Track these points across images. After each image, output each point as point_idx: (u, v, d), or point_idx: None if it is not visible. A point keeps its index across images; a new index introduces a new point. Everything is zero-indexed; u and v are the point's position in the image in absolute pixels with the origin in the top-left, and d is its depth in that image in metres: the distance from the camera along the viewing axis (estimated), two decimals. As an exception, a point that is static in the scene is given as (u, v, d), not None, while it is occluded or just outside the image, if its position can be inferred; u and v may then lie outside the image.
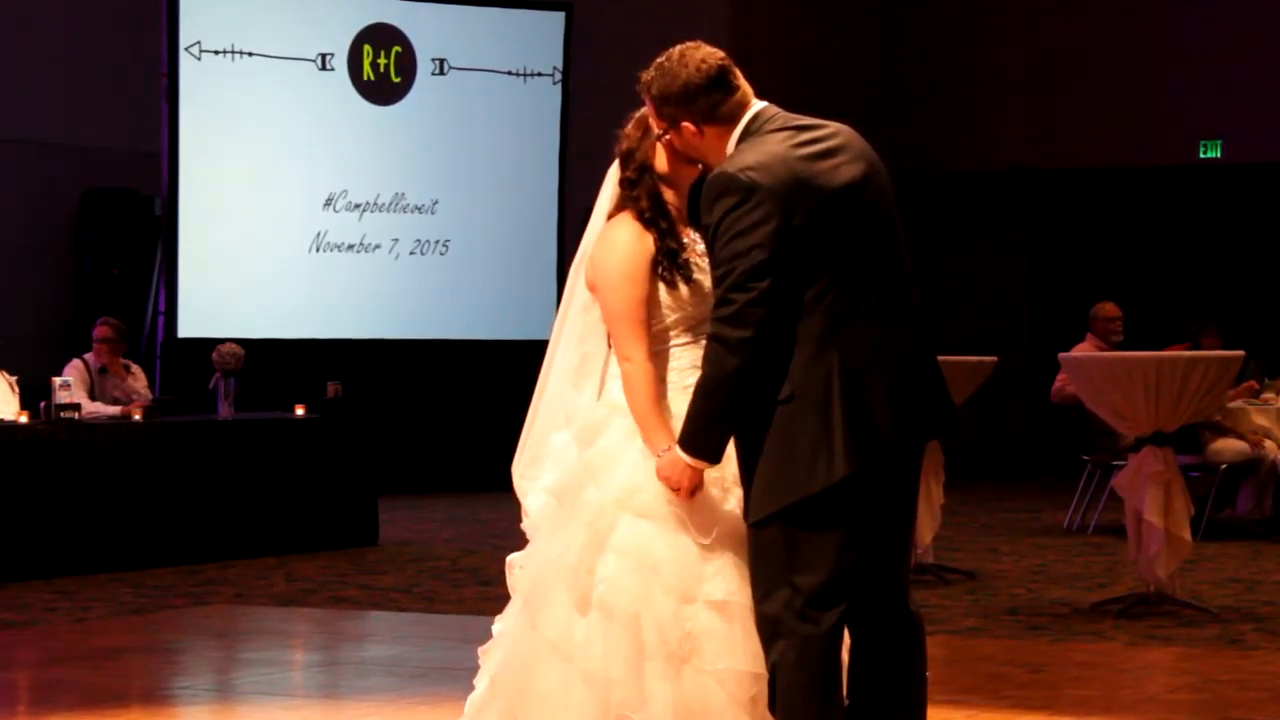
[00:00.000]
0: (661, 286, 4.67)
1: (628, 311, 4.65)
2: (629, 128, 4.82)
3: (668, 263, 4.68)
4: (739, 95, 4.54)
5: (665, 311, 4.68)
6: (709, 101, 4.52)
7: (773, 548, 4.41)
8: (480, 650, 4.90)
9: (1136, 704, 7.23)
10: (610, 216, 4.80)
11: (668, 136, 4.59)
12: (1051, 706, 7.08)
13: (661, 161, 4.73)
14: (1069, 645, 8.53)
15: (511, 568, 4.87)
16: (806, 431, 4.35)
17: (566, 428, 4.78)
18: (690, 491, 4.51)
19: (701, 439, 4.44)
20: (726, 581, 4.55)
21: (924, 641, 4.61)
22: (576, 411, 4.78)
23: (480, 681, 4.87)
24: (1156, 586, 9.31)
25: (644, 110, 4.76)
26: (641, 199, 4.72)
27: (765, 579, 4.43)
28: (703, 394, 4.42)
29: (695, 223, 4.72)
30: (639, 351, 4.63)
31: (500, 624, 4.85)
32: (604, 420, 4.70)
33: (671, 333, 4.69)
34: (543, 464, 4.85)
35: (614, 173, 4.87)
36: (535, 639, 4.66)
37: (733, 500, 4.57)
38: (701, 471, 4.50)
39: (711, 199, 4.40)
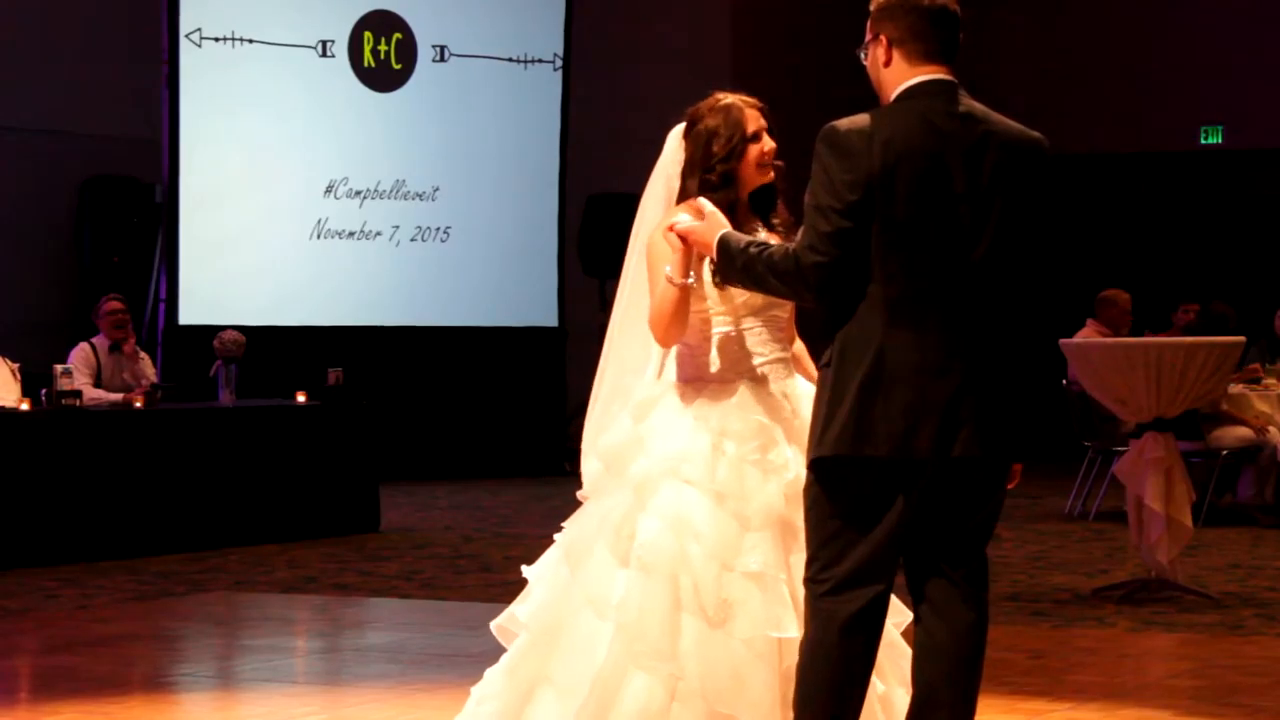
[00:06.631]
0: (708, 282, 4.78)
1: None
2: (713, 119, 4.87)
3: None
4: (937, 52, 4.46)
5: (710, 303, 4.80)
6: (910, 24, 4.45)
7: (812, 507, 4.45)
8: (517, 603, 4.95)
9: (1137, 690, 7.23)
10: (677, 202, 4.88)
11: (863, 53, 4.55)
12: (1052, 692, 7.08)
13: (751, 176, 4.83)
14: (1070, 631, 8.53)
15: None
16: (822, 403, 4.40)
17: (627, 406, 4.92)
18: (683, 239, 4.66)
19: (730, 258, 4.51)
20: (764, 555, 4.66)
21: (975, 648, 4.60)
22: (636, 389, 4.93)
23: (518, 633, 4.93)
24: (1158, 572, 9.31)
25: (727, 101, 4.86)
26: (718, 206, 4.77)
27: (808, 543, 4.48)
28: (762, 259, 4.42)
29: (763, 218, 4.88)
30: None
31: (534, 570, 4.96)
32: (658, 397, 4.86)
33: (715, 319, 4.81)
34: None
35: (675, 156, 4.92)
36: (573, 591, 4.79)
37: (774, 483, 4.68)
38: (695, 241, 4.63)
39: (818, 146, 4.41)
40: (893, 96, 4.47)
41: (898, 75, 4.48)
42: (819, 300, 4.41)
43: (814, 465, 4.41)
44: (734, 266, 4.53)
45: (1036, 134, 4.55)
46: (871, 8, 4.55)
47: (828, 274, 4.34)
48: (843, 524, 4.39)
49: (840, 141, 4.35)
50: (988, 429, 4.39)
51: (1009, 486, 4.61)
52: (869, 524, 4.39)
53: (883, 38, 4.49)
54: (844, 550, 4.39)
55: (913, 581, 4.54)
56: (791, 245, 4.42)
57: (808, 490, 4.46)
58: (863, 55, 4.56)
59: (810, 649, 4.42)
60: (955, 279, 4.36)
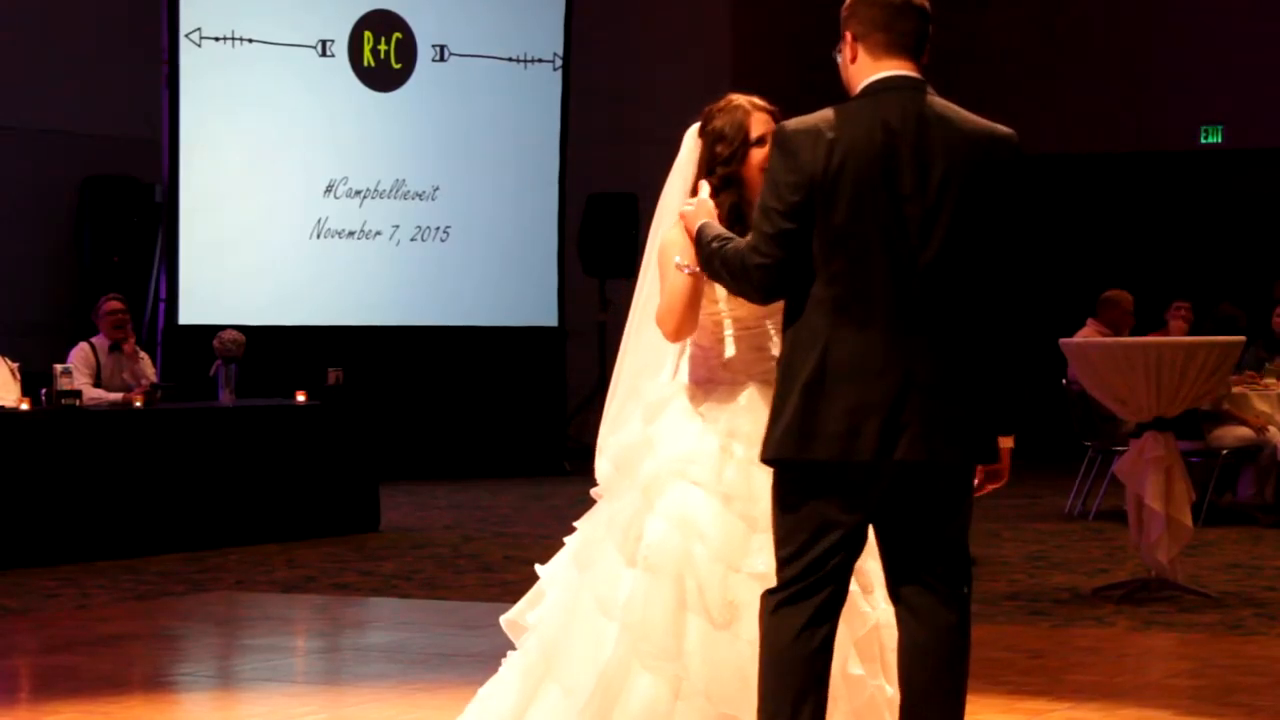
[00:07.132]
0: (719, 286, 4.74)
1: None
2: (720, 121, 4.86)
3: None
4: (899, 45, 4.42)
5: (723, 305, 4.78)
6: (872, 17, 4.42)
7: (772, 508, 4.47)
8: (527, 600, 4.99)
9: (1137, 689, 7.23)
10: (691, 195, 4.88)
11: (838, 56, 4.53)
12: (1052, 692, 7.08)
13: (755, 180, 4.79)
14: (1070, 631, 8.53)
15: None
16: (773, 402, 4.42)
17: (639, 406, 4.94)
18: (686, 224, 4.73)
19: (699, 248, 4.58)
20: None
21: (958, 648, 4.50)
22: (648, 390, 4.94)
23: (526, 638, 4.98)
24: (1157, 572, 9.32)
25: (736, 103, 4.85)
26: (720, 207, 4.77)
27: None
28: (719, 254, 4.47)
29: None
30: None
31: (546, 570, 4.99)
32: (669, 398, 4.87)
33: (726, 320, 4.80)
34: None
35: (690, 155, 4.92)
36: (582, 592, 4.82)
37: None
38: (685, 229, 4.70)
39: (769, 146, 4.44)
40: (856, 93, 4.45)
41: (862, 71, 4.45)
42: (766, 300, 4.47)
43: (767, 466, 4.45)
44: (702, 256, 4.58)
45: (1005, 130, 4.47)
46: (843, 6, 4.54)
47: (771, 275, 4.36)
48: (794, 525, 4.40)
49: (786, 142, 4.35)
50: (933, 433, 4.33)
51: (994, 486, 4.54)
52: (817, 526, 4.38)
53: (848, 35, 4.47)
54: (796, 552, 4.39)
55: (891, 586, 4.51)
56: (743, 244, 4.44)
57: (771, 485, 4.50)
58: (838, 59, 4.54)
59: (765, 653, 4.41)
60: (900, 280, 4.31)
